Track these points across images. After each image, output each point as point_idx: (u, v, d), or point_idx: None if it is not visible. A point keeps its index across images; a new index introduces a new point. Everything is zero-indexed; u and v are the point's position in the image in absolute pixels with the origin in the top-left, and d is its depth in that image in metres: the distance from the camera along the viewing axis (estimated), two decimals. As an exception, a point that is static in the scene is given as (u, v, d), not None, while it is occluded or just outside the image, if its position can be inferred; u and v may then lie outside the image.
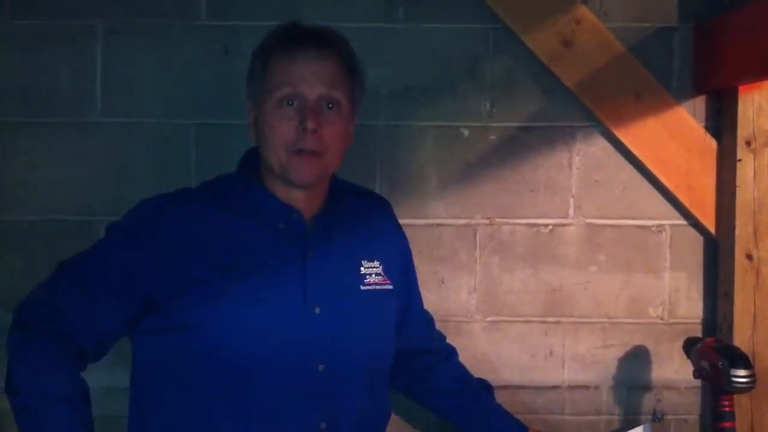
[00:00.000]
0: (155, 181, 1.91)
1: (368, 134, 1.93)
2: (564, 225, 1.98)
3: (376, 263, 1.49)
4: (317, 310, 1.38)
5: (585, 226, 1.98)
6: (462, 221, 1.96)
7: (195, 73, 1.92)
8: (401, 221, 1.93)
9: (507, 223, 1.97)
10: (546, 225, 1.98)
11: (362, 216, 1.52)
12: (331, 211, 1.46)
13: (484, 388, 1.73)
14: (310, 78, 1.37)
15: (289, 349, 1.36)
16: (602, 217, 1.97)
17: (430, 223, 1.95)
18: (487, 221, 1.97)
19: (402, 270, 1.57)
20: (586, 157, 1.97)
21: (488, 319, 1.99)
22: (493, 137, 1.96)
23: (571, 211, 1.98)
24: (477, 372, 1.76)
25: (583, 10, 1.90)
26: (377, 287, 1.48)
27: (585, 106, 1.92)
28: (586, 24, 1.89)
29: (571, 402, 1.99)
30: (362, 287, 1.46)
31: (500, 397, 1.77)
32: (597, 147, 1.96)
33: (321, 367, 1.38)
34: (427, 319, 1.75)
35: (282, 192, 1.42)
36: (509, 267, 1.98)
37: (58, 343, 1.33)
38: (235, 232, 1.39)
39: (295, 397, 1.37)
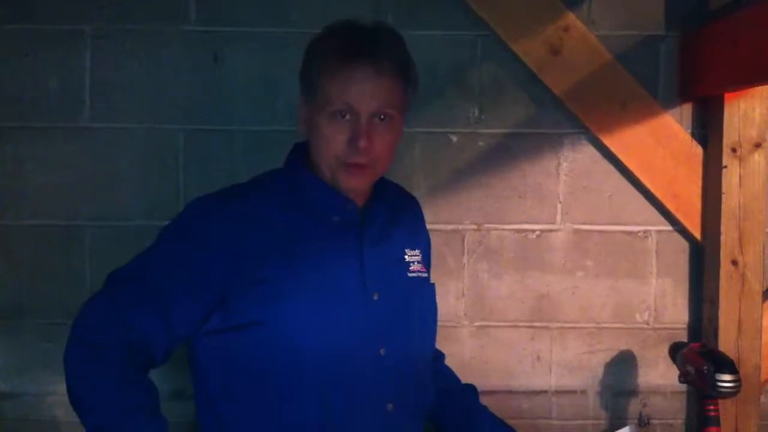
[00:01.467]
0: (143, 187, 1.92)
1: (357, 140, 1.94)
2: (551, 231, 1.99)
3: (417, 251, 1.54)
4: (375, 297, 1.42)
5: (572, 232, 1.99)
6: (450, 227, 1.97)
7: (183, 79, 1.92)
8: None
9: (495, 229, 1.98)
10: (533, 231, 1.99)
11: (402, 207, 1.57)
12: (377, 201, 1.49)
13: (469, 390, 1.74)
14: (365, 97, 1.37)
15: (354, 336, 1.40)
16: (589, 223, 1.98)
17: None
18: (475, 227, 1.98)
19: (428, 263, 1.62)
20: (573, 164, 1.98)
21: (476, 324, 2.00)
22: (481, 144, 1.97)
23: (558, 217, 1.99)
24: (465, 377, 1.77)
25: (571, 19, 1.91)
26: (420, 275, 1.53)
27: (572, 113, 1.94)
28: (574, 32, 1.91)
29: (558, 407, 2.00)
30: (409, 274, 1.51)
31: (487, 402, 1.77)
32: (584, 154, 1.97)
33: (382, 351, 1.42)
34: None
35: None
36: (497, 272, 1.99)
37: (130, 356, 1.32)
38: (293, 227, 1.40)
39: (365, 382, 1.40)
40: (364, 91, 1.36)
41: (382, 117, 1.38)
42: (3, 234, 1.92)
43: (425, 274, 1.55)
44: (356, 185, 1.42)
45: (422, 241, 1.62)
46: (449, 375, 1.75)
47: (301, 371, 1.36)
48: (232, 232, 1.37)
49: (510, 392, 1.99)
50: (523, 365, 2.00)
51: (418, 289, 1.52)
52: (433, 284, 1.60)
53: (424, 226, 1.66)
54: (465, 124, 1.96)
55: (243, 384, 1.38)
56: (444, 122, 1.96)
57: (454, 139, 1.96)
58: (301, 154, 1.47)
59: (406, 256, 1.52)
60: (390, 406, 1.43)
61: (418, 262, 1.53)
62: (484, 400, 1.76)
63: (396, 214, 1.54)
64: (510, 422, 1.73)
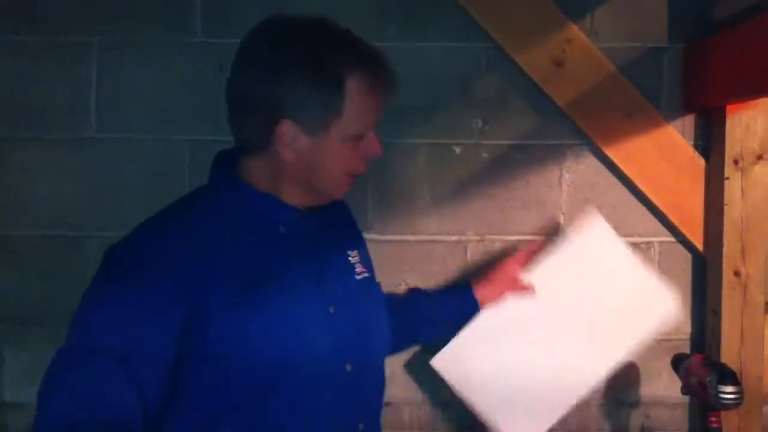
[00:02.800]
0: (149, 197, 1.92)
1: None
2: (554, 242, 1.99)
3: (356, 252, 1.49)
4: (332, 310, 1.36)
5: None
6: (453, 237, 1.98)
7: (190, 90, 1.93)
8: (393, 237, 1.95)
9: (498, 240, 1.99)
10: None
11: (333, 209, 1.47)
12: (316, 206, 1.41)
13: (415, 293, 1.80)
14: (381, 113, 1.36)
15: (320, 354, 1.32)
16: (592, 234, 1.98)
17: (422, 239, 1.97)
18: (478, 238, 1.99)
19: (370, 264, 1.55)
20: (576, 175, 1.99)
21: (479, 334, 2.00)
22: (485, 155, 1.98)
23: (561, 228, 1.99)
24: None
25: (574, 30, 1.92)
26: (365, 275, 1.47)
27: (576, 124, 1.94)
28: (577, 44, 1.92)
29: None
30: (357, 277, 1.45)
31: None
32: (587, 165, 1.98)
33: (349, 367, 1.35)
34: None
35: (280, 194, 1.36)
36: (500, 283, 1.99)
37: None
38: (242, 245, 1.30)
39: (332, 401, 1.33)
40: (382, 110, 1.34)
41: None
42: (10, 243, 1.94)
43: (368, 275, 1.49)
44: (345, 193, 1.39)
45: (359, 241, 1.55)
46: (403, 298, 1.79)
47: (274, 396, 1.28)
48: (188, 264, 1.24)
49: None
50: (525, 376, 2.00)
51: (368, 292, 1.48)
52: (379, 283, 1.55)
53: (357, 225, 1.60)
54: (469, 136, 1.97)
55: (206, 414, 1.27)
56: (448, 133, 1.97)
57: (458, 150, 1.97)
58: (230, 165, 1.36)
59: (350, 259, 1.46)
60: (361, 426, 1.38)
61: (360, 263, 1.47)
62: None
63: (332, 215, 1.46)
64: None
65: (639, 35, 1.97)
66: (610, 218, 1.97)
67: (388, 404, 1.96)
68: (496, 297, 1.74)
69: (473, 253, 1.98)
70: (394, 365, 1.95)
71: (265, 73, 1.26)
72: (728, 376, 1.69)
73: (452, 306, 1.74)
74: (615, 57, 1.94)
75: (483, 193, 1.98)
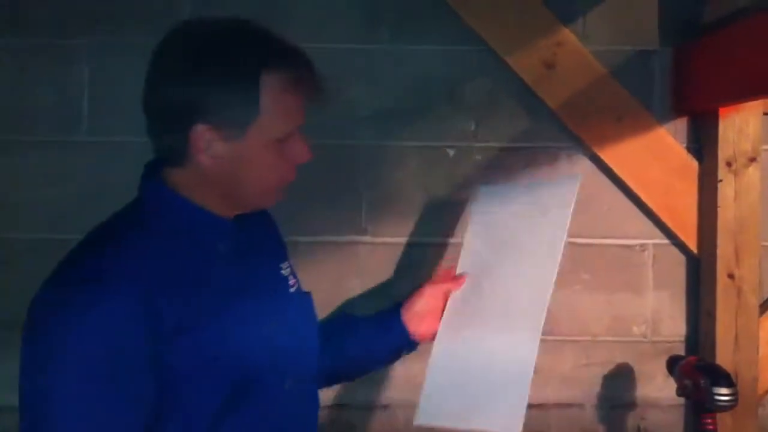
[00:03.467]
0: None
1: (352, 154, 1.95)
2: (548, 244, 1.99)
3: (287, 263, 1.43)
4: (272, 326, 1.30)
5: (568, 245, 1.99)
6: (447, 240, 1.97)
7: (181, 93, 1.92)
8: (387, 240, 1.95)
9: (491, 243, 1.98)
10: (530, 244, 1.99)
11: (257, 219, 1.39)
12: (244, 219, 1.33)
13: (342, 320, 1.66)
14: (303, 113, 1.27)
15: (263, 373, 1.28)
16: (585, 237, 1.98)
17: (416, 241, 1.96)
18: (472, 240, 1.98)
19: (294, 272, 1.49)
20: (569, 177, 1.99)
21: (473, 338, 1.99)
22: (478, 157, 1.98)
23: (554, 231, 1.99)
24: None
25: (566, 33, 1.93)
26: (297, 287, 1.42)
27: (568, 127, 1.95)
28: (568, 47, 1.92)
29: (556, 420, 1.99)
30: (291, 290, 1.39)
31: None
32: (580, 167, 1.98)
33: (287, 385, 1.31)
34: None
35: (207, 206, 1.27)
36: (494, 286, 1.99)
37: None
38: (184, 264, 1.22)
39: (276, 420, 1.31)
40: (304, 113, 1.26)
41: None
42: (1, 247, 1.93)
43: (298, 285, 1.43)
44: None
45: (285, 251, 1.48)
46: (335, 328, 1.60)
47: (225, 416, 1.22)
48: (146, 292, 1.14)
49: (507, 406, 1.98)
50: (520, 379, 1.99)
51: (301, 305, 1.42)
52: (310, 293, 1.46)
53: (280, 234, 1.51)
54: (461, 138, 1.97)
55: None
56: (440, 136, 1.97)
57: (451, 153, 1.97)
58: (158, 177, 1.27)
59: (282, 272, 1.40)
60: None
61: (291, 274, 1.42)
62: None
63: (259, 228, 1.39)
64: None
65: (630, 38, 1.98)
66: (603, 221, 1.98)
67: (384, 407, 1.95)
68: (426, 323, 1.55)
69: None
70: (391, 368, 1.95)
71: (175, 76, 1.19)
72: (723, 377, 1.69)
73: (382, 334, 1.57)
74: (606, 60, 1.95)
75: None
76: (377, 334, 1.55)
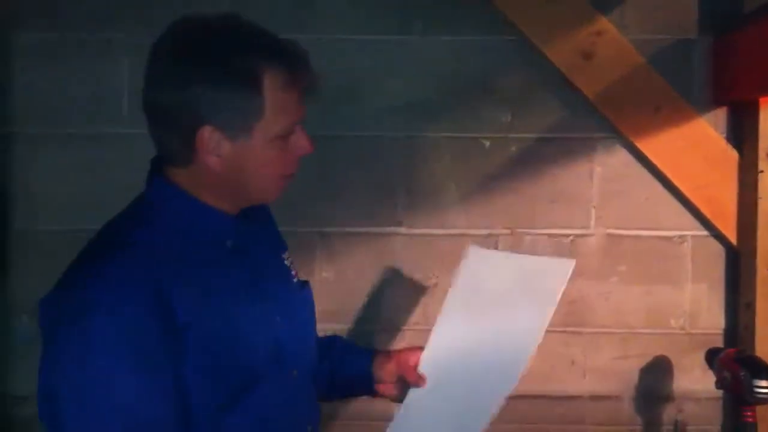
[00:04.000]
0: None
1: (388, 146, 1.95)
2: (585, 235, 1.99)
3: (288, 254, 1.45)
4: (278, 318, 1.34)
5: (606, 236, 1.99)
6: (484, 231, 1.97)
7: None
8: (422, 231, 1.96)
9: (528, 234, 1.98)
10: (567, 235, 1.99)
11: (256, 213, 1.41)
12: (247, 213, 1.35)
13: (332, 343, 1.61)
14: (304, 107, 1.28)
15: (274, 363, 1.31)
16: (623, 228, 1.97)
17: (452, 233, 1.97)
18: (509, 231, 1.98)
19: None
20: (606, 168, 1.98)
21: (509, 329, 1.99)
22: (513, 148, 1.97)
23: (592, 222, 1.98)
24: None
25: (604, 23, 1.91)
26: (299, 278, 1.45)
27: (605, 117, 1.93)
28: (607, 36, 1.91)
29: (593, 412, 1.99)
30: (294, 281, 1.43)
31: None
32: (617, 158, 1.96)
33: (295, 373, 1.35)
34: None
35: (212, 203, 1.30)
36: (530, 277, 1.99)
37: None
38: (194, 261, 1.24)
39: (286, 408, 1.34)
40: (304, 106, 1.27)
41: None
42: (38, 239, 1.97)
43: (299, 276, 1.46)
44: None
45: (284, 242, 1.50)
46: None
47: (236, 407, 1.25)
48: (155, 289, 1.16)
49: (544, 397, 1.98)
50: (557, 370, 1.99)
51: (303, 296, 1.45)
52: (308, 282, 1.48)
53: (276, 226, 1.52)
54: (497, 129, 1.96)
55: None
56: (476, 127, 1.96)
57: (487, 144, 1.97)
58: (164, 175, 1.28)
59: (285, 263, 1.43)
60: (310, 428, 1.40)
61: (292, 264, 1.44)
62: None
63: (260, 221, 1.41)
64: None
65: (669, 27, 1.96)
66: (641, 212, 1.97)
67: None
68: (389, 374, 1.52)
69: (504, 247, 1.97)
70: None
71: (179, 81, 1.19)
72: (763, 370, 1.67)
73: (349, 366, 1.57)
74: (645, 49, 1.93)
75: (512, 186, 1.98)
76: (350, 360, 1.55)
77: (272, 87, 1.20)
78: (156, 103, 1.23)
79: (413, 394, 1.49)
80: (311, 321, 1.47)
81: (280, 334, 1.33)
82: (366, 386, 1.53)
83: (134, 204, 1.32)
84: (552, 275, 1.52)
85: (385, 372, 1.50)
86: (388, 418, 1.45)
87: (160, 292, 1.17)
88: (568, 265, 1.50)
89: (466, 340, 1.53)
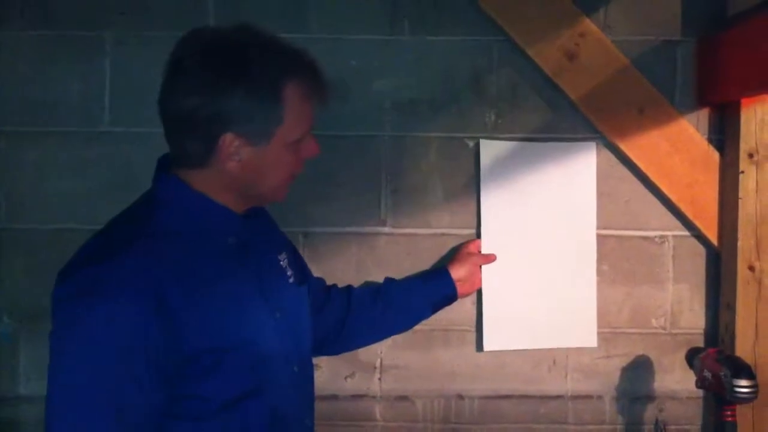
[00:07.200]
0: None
1: (373, 145, 1.95)
2: (568, 236, 1.99)
3: (284, 255, 1.51)
4: (277, 315, 1.40)
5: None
6: (466, 231, 1.97)
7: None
8: (406, 231, 1.95)
9: (511, 234, 1.98)
10: (550, 236, 1.99)
11: (256, 213, 1.46)
12: (249, 212, 1.42)
13: (385, 287, 1.82)
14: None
15: (275, 360, 1.37)
16: (606, 228, 1.98)
17: (435, 232, 1.97)
18: (492, 232, 1.98)
19: (293, 255, 1.58)
20: (589, 169, 1.98)
21: (492, 328, 2.00)
22: (497, 148, 1.97)
23: (575, 222, 1.99)
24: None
25: (588, 24, 1.91)
26: (294, 278, 1.50)
27: (589, 118, 1.94)
28: (590, 37, 1.91)
29: (574, 411, 2.00)
30: (290, 281, 1.48)
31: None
32: (601, 159, 1.97)
33: (295, 368, 1.42)
34: (325, 287, 1.77)
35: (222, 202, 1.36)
36: (513, 277, 1.99)
37: None
38: (196, 256, 1.29)
39: (287, 403, 1.39)
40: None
41: None
42: (24, 237, 1.95)
43: (295, 276, 1.51)
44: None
45: (284, 242, 1.58)
46: (368, 297, 1.79)
47: (239, 403, 1.29)
48: (158, 290, 1.21)
49: (526, 397, 1.99)
50: (539, 370, 1.99)
51: (298, 294, 1.50)
52: (305, 283, 1.56)
53: (277, 226, 1.60)
54: (482, 129, 1.96)
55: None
56: (461, 127, 1.96)
57: (471, 144, 1.97)
58: (173, 173, 1.35)
59: (281, 263, 1.48)
60: (308, 421, 1.47)
61: (288, 266, 1.50)
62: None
63: (259, 222, 1.47)
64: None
65: (652, 29, 1.97)
66: (624, 212, 1.98)
67: (404, 398, 1.96)
68: (470, 275, 1.86)
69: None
70: (409, 358, 1.96)
71: (203, 90, 1.25)
72: (743, 369, 1.69)
73: (430, 288, 1.82)
74: (628, 50, 1.94)
75: (496, 187, 1.97)
76: (424, 284, 1.82)
77: (293, 97, 1.29)
78: (180, 111, 1.28)
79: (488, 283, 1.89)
80: (306, 320, 1.52)
81: (280, 331, 1.39)
82: (451, 299, 1.83)
83: (140, 201, 1.38)
84: (580, 154, 1.89)
85: (462, 273, 1.84)
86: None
87: (159, 292, 1.21)
88: (590, 146, 1.86)
89: (517, 221, 1.90)
